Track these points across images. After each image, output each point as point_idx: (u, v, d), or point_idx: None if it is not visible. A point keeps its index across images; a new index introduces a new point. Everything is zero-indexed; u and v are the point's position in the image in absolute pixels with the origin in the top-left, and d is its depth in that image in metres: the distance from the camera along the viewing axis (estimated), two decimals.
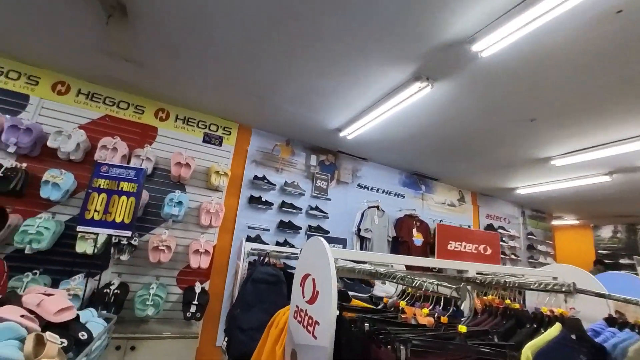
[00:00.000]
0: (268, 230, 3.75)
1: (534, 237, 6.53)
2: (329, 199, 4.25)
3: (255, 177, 3.76)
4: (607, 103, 2.63)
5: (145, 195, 3.03)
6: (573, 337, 0.91)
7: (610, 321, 1.11)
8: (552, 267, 1.96)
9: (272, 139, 4.06)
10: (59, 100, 3.01)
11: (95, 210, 2.23)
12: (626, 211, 6.07)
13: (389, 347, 0.71)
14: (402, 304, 0.93)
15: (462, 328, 0.72)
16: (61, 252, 2.68)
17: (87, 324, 1.56)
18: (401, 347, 0.68)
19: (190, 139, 3.52)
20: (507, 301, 1.11)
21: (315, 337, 0.87)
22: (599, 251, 6.95)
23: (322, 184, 4.24)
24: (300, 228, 3.91)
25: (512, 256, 5.92)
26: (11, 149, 2.61)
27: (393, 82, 2.60)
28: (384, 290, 2.32)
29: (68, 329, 1.35)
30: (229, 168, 3.58)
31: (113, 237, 2.73)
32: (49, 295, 1.42)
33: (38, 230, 2.49)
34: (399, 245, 4.51)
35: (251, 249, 2.74)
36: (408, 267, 2.27)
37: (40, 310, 1.30)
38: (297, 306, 1.06)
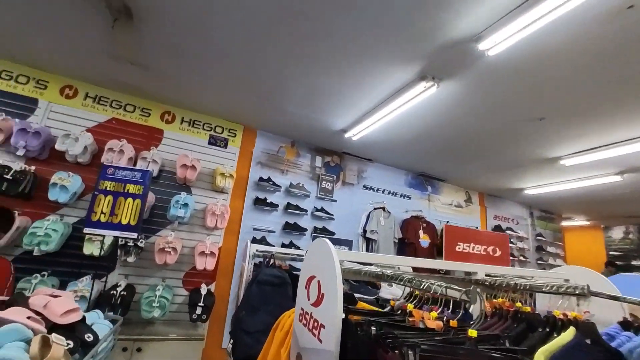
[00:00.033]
0: (273, 231, 3.75)
1: (543, 239, 6.42)
2: (335, 201, 4.23)
3: (261, 179, 3.76)
4: (617, 101, 2.57)
5: (151, 197, 3.05)
6: (588, 341, 0.88)
7: (625, 325, 1.07)
8: (563, 269, 1.92)
9: (277, 140, 4.06)
10: (67, 104, 3.05)
11: (102, 212, 2.25)
12: (638, 211, 5.94)
13: (396, 352, 0.69)
14: (410, 306, 0.91)
15: (473, 332, 0.70)
16: (69, 254, 2.70)
17: (93, 326, 1.57)
18: (409, 352, 0.66)
19: (195, 141, 3.53)
20: (518, 304, 1.08)
21: (320, 341, 0.85)
22: (610, 252, 6.81)
23: (328, 185, 4.23)
24: (306, 230, 3.89)
25: (521, 258, 5.83)
26: (20, 152, 2.64)
27: (398, 82, 2.57)
28: (391, 292, 2.29)
29: (74, 330, 1.35)
30: (234, 170, 3.59)
31: (120, 239, 2.75)
32: (55, 296, 1.43)
33: (46, 232, 2.52)
34: (405, 246, 4.47)
35: (256, 250, 2.73)
36: (415, 269, 2.24)
37: (46, 311, 1.30)
38: (302, 309, 1.05)
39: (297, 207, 3.87)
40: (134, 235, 2.31)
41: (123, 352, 2.43)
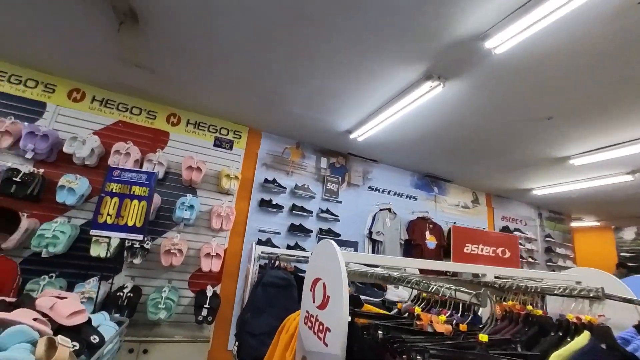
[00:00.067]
0: (279, 233, 3.74)
1: (552, 240, 6.32)
2: (340, 202, 4.21)
3: (266, 180, 3.76)
4: (628, 99, 2.52)
5: (157, 199, 3.06)
6: (603, 346, 0.85)
7: None
8: (574, 270, 1.87)
9: (282, 142, 4.06)
10: (75, 107, 3.08)
11: (108, 214, 2.26)
12: None
13: (404, 356, 0.67)
14: (418, 310, 0.89)
15: (484, 337, 0.67)
16: (76, 256, 2.72)
17: (99, 328, 1.57)
18: (418, 357, 0.64)
19: (201, 143, 3.55)
20: (529, 307, 1.05)
21: (326, 344, 0.84)
22: (622, 254, 6.66)
23: (333, 186, 4.21)
24: (311, 231, 3.88)
25: (530, 259, 5.74)
26: (29, 155, 2.67)
27: (404, 82, 2.55)
28: (397, 294, 2.26)
29: (80, 332, 1.35)
30: (240, 171, 3.59)
31: (126, 241, 2.77)
32: (62, 298, 1.44)
33: (54, 234, 2.54)
34: (411, 248, 4.43)
35: (262, 252, 2.73)
36: (421, 271, 2.21)
37: (52, 313, 1.31)
38: (307, 311, 1.03)
39: (302, 209, 3.86)
40: (140, 236, 2.32)
41: (129, 353, 2.44)
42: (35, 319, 1.20)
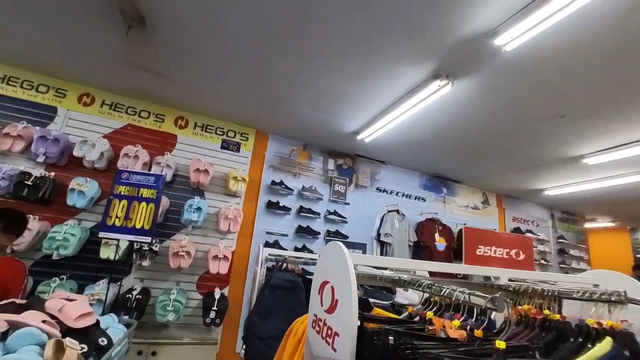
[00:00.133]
0: (286, 235, 3.72)
1: (565, 241, 6.16)
2: (348, 204, 4.18)
3: (273, 182, 3.76)
4: None
5: (165, 202, 3.08)
6: (626, 353, 0.81)
7: None
8: (591, 273, 1.81)
9: (289, 143, 4.05)
10: (85, 111, 3.13)
11: (117, 217, 2.28)
12: None
13: None
14: (430, 314, 0.86)
15: (500, 344, 0.64)
16: (86, 258, 2.75)
17: (108, 330, 1.57)
18: None
19: (208, 146, 3.56)
20: (546, 311, 1.00)
21: (334, 350, 0.81)
22: (638, 256, 6.47)
23: (340, 188, 4.18)
24: (319, 233, 3.85)
25: (542, 261, 5.61)
26: (40, 159, 2.72)
27: (411, 82, 2.52)
28: (407, 297, 2.22)
29: (88, 334, 1.35)
30: (247, 173, 3.59)
31: (135, 243, 2.78)
32: (71, 300, 1.44)
33: (65, 237, 2.57)
34: (420, 250, 4.36)
35: (269, 254, 2.71)
36: (431, 273, 2.16)
37: (61, 315, 1.31)
38: (315, 315, 1.01)
39: (309, 211, 3.84)
40: (148, 239, 2.33)
41: (138, 355, 2.44)
42: (44, 321, 1.21)
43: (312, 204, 3.95)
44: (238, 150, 3.70)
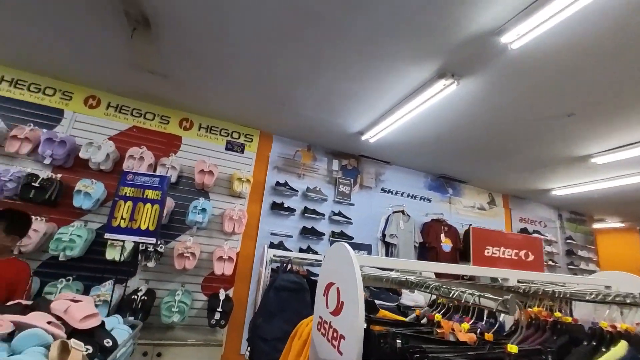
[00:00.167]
0: (291, 236, 3.71)
1: (574, 242, 6.07)
2: (352, 204, 4.16)
3: (277, 183, 3.75)
4: None
5: (170, 203, 3.09)
6: None
7: None
8: (602, 274, 1.77)
9: (294, 144, 4.04)
10: (91, 114, 3.15)
11: (122, 218, 2.28)
12: None
13: None
14: (438, 317, 0.84)
15: (512, 347, 0.62)
16: (92, 259, 2.77)
17: (113, 331, 1.57)
18: None
19: (213, 147, 3.57)
20: (557, 314, 0.98)
21: (340, 353, 0.80)
22: None
23: (345, 189, 4.16)
24: (324, 234, 3.84)
25: (550, 262, 5.53)
26: (47, 161, 2.74)
27: (416, 81, 2.50)
28: (413, 299, 2.20)
29: (93, 335, 1.35)
30: (251, 175, 3.59)
31: (140, 244, 2.79)
32: (76, 301, 1.44)
33: (71, 238, 2.59)
34: (426, 251, 4.32)
35: (273, 255, 2.70)
36: (437, 275, 2.14)
37: (66, 316, 1.31)
38: (320, 317, 0.99)
39: (314, 212, 3.83)
40: (153, 240, 2.33)
41: (143, 356, 2.45)
42: (49, 322, 1.21)
43: (317, 204, 3.93)
44: (242, 151, 3.70)
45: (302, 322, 1.24)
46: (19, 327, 1.15)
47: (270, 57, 2.37)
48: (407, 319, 1.11)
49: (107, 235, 2.27)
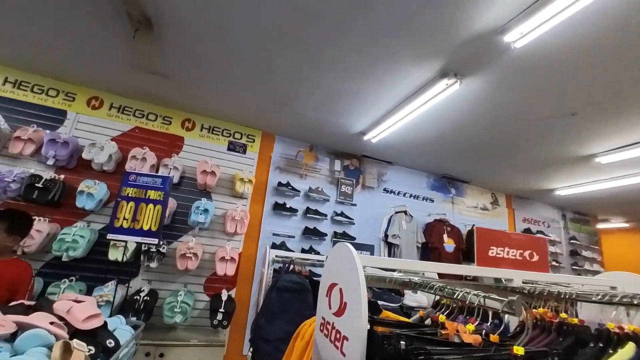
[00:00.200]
0: (293, 237, 3.71)
1: (578, 242, 6.03)
2: (355, 205, 4.15)
3: (279, 184, 3.75)
4: None
5: (172, 204, 3.09)
6: None
7: None
8: (606, 275, 1.75)
9: (296, 145, 4.04)
10: (93, 115, 3.16)
11: (124, 218, 2.29)
12: None
13: None
14: (442, 318, 0.83)
15: (519, 349, 0.61)
16: (95, 260, 2.77)
17: (115, 331, 1.57)
18: None
19: (215, 148, 3.57)
20: (563, 315, 0.96)
21: (343, 355, 0.79)
22: None
23: (347, 189, 4.15)
24: (326, 235, 3.83)
25: (554, 263, 5.50)
26: (50, 162, 2.75)
27: (419, 81, 2.49)
28: (416, 299, 2.18)
29: (96, 336, 1.35)
30: (253, 175, 3.59)
31: (143, 245, 2.79)
32: (79, 302, 1.44)
33: (74, 239, 2.60)
34: (429, 252, 4.31)
35: (276, 256, 2.70)
36: (440, 275, 2.12)
37: (69, 317, 1.31)
38: (323, 318, 0.99)
39: (316, 212, 3.82)
40: (155, 240, 2.33)
41: (146, 357, 2.45)
42: (52, 323, 1.20)
43: (319, 205, 3.93)
44: (244, 151, 3.70)
45: (304, 323, 1.24)
46: (22, 328, 1.15)
47: (272, 57, 2.37)
48: (410, 320, 1.10)
49: (109, 236, 2.27)
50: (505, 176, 4.71)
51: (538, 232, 5.62)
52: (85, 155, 2.85)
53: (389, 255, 4.03)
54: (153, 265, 2.86)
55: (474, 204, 5.19)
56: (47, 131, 2.85)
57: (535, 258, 1.75)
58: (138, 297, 2.66)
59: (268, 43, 2.21)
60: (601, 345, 0.83)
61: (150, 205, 2.35)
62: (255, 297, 3.31)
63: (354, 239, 3.96)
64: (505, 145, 3.61)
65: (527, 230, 5.53)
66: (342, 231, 3.97)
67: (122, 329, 1.67)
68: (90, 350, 1.25)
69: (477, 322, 0.81)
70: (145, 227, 2.29)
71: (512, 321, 1.25)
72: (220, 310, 2.81)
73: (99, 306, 2.33)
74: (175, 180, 3.16)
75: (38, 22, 2.25)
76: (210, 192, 3.40)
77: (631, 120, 2.80)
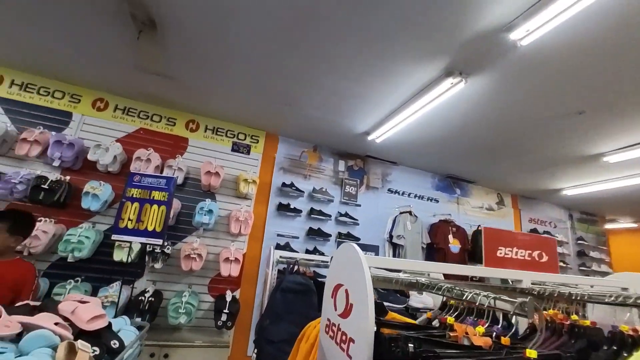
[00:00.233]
0: (297, 237, 3.70)
1: (585, 243, 5.94)
2: (359, 205, 4.13)
3: (283, 184, 3.74)
4: None
5: (177, 204, 3.10)
6: None
7: None
8: (617, 276, 1.72)
9: (299, 145, 4.03)
10: (98, 116, 3.18)
11: (129, 219, 2.29)
12: None
13: None
14: (451, 320, 0.81)
15: (531, 352, 0.59)
16: (100, 260, 2.78)
17: (120, 332, 1.57)
18: None
19: (219, 149, 3.57)
20: (574, 316, 0.94)
21: (350, 357, 0.78)
22: None
23: (351, 189, 4.14)
24: (330, 235, 3.81)
25: (561, 264, 5.42)
26: (56, 163, 2.77)
27: (423, 80, 2.46)
28: (421, 301, 2.16)
29: (100, 337, 1.35)
30: (257, 176, 3.59)
31: (147, 246, 2.80)
32: (83, 302, 1.44)
33: (79, 240, 2.61)
34: (434, 252, 4.27)
35: (280, 256, 2.69)
36: (446, 276, 2.10)
37: (74, 317, 1.31)
38: (328, 319, 0.97)
39: (320, 213, 3.81)
40: (159, 241, 2.33)
41: (150, 358, 2.45)
42: (56, 324, 1.20)
43: (323, 205, 3.91)
44: (248, 152, 3.70)
45: (309, 325, 1.22)
46: (27, 328, 1.15)
47: (276, 57, 2.36)
48: (417, 322, 1.09)
49: (114, 237, 2.28)
50: (511, 176, 4.66)
51: (545, 232, 5.55)
52: (90, 156, 2.87)
53: (394, 256, 4.00)
54: (157, 266, 2.86)
55: (480, 204, 5.14)
56: (53, 133, 2.87)
57: (545, 259, 1.72)
58: (143, 298, 2.66)
59: (272, 44, 2.21)
60: (615, 348, 0.81)
61: (155, 206, 2.35)
62: (260, 298, 3.30)
63: (358, 239, 3.94)
64: (511, 145, 3.57)
65: (534, 231, 5.46)
66: (347, 232, 3.95)
67: (126, 329, 1.67)
68: (94, 351, 1.24)
69: (487, 324, 0.80)
70: (150, 228, 2.29)
71: (521, 323, 1.23)
72: (224, 311, 2.81)
73: (104, 307, 2.33)
74: (180, 181, 3.17)
75: (43, 24, 2.27)
76: (215, 193, 3.40)
77: None
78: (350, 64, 2.35)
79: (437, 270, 1.39)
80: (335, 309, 0.93)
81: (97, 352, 1.27)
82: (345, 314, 0.86)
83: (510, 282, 1.58)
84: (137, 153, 3.05)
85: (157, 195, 2.39)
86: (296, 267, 2.43)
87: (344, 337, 0.83)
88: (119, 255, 2.69)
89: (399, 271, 1.53)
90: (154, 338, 2.50)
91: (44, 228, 2.55)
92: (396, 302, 2.19)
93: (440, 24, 1.88)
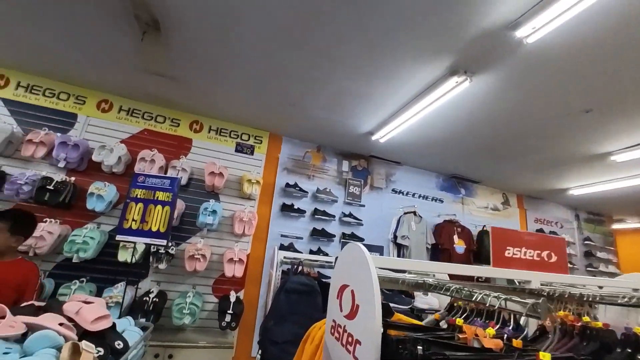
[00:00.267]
0: (301, 238, 3.69)
1: (592, 243, 5.87)
2: (363, 205, 4.11)
3: (287, 185, 3.73)
4: None
5: (181, 205, 3.10)
6: None
7: None
8: (626, 276, 1.69)
9: (303, 146, 4.02)
10: (103, 117, 3.20)
11: (133, 220, 2.29)
12: None
13: None
14: (460, 321, 0.79)
15: (545, 355, 0.57)
16: (105, 261, 2.79)
17: (124, 333, 1.57)
18: None
19: (223, 149, 3.58)
20: (585, 318, 0.92)
21: (356, 359, 0.76)
22: None
23: (355, 190, 4.12)
24: (334, 236, 3.80)
25: (569, 264, 5.36)
26: (61, 164, 2.79)
27: (427, 79, 2.45)
28: (427, 302, 2.14)
29: (104, 337, 1.35)
30: (261, 176, 3.58)
31: (151, 246, 2.80)
32: (88, 303, 1.44)
33: (84, 240, 2.62)
34: (439, 253, 4.24)
35: (284, 257, 2.67)
36: (451, 277, 2.07)
37: (78, 318, 1.31)
38: (334, 321, 0.96)
39: (324, 213, 3.79)
40: (163, 241, 2.33)
41: (155, 358, 2.45)
42: (61, 324, 1.20)
43: (327, 206, 3.90)
44: (252, 153, 3.70)
45: (314, 326, 1.21)
46: (32, 329, 1.15)
47: (279, 58, 2.35)
48: (424, 323, 1.07)
49: (118, 237, 2.28)
50: (516, 176, 4.61)
51: (551, 232, 5.49)
52: (95, 157, 2.88)
53: (398, 257, 3.97)
54: (162, 266, 2.86)
55: (485, 204, 5.09)
56: (58, 134, 2.89)
57: (554, 259, 1.69)
58: (147, 299, 2.66)
59: (275, 44, 2.20)
60: (629, 350, 0.79)
61: (159, 207, 2.36)
62: (264, 298, 3.30)
63: (362, 240, 3.92)
64: (516, 144, 3.54)
65: (540, 231, 5.41)
66: (351, 232, 3.93)
67: (131, 330, 1.66)
68: (99, 351, 1.24)
69: (497, 326, 0.78)
70: (154, 229, 2.29)
71: (530, 325, 1.20)
72: (228, 311, 2.80)
73: (109, 307, 2.34)
74: (184, 181, 3.17)
75: (48, 27, 2.28)
76: (218, 194, 3.41)
77: None
78: (354, 63, 2.33)
79: (445, 270, 1.37)
80: (341, 310, 0.91)
81: (102, 353, 1.26)
82: (352, 315, 0.84)
83: (517, 283, 1.56)
84: (142, 154, 3.06)
85: (161, 195, 2.39)
86: (300, 268, 2.41)
87: (350, 339, 0.81)
88: (124, 256, 2.70)
89: (403, 272, 1.51)
90: (158, 339, 2.50)
91: (49, 229, 2.57)
92: (401, 303, 2.17)
93: (445, 22, 1.87)
